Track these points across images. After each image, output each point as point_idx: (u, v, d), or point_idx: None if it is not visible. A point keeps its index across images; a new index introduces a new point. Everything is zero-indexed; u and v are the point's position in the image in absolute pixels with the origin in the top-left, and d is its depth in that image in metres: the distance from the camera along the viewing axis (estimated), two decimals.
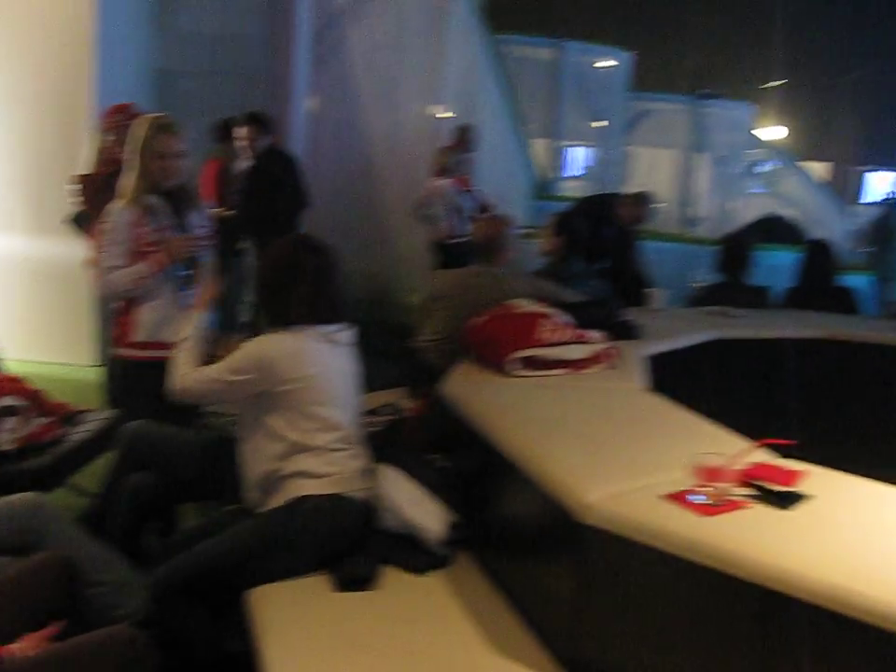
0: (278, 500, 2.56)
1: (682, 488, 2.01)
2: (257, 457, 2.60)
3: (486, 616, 2.35)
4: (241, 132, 5.89)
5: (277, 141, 6.30)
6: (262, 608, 2.36)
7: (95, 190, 4.02)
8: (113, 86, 5.66)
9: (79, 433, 3.58)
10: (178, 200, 3.29)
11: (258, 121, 5.87)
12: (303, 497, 2.53)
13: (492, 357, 3.21)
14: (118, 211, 3.19)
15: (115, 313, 3.35)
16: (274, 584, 2.44)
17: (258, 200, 5.81)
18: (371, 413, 3.18)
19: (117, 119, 4.02)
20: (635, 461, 2.30)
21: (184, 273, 3.29)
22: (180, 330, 2.82)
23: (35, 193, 5.71)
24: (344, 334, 2.68)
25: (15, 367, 5.66)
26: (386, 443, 2.91)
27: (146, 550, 3.03)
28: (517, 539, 2.49)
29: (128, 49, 6.26)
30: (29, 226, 5.98)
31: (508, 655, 2.16)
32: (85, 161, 4.20)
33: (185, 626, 2.42)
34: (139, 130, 3.18)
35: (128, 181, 3.20)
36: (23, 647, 1.94)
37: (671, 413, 2.74)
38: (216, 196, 5.98)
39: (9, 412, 3.43)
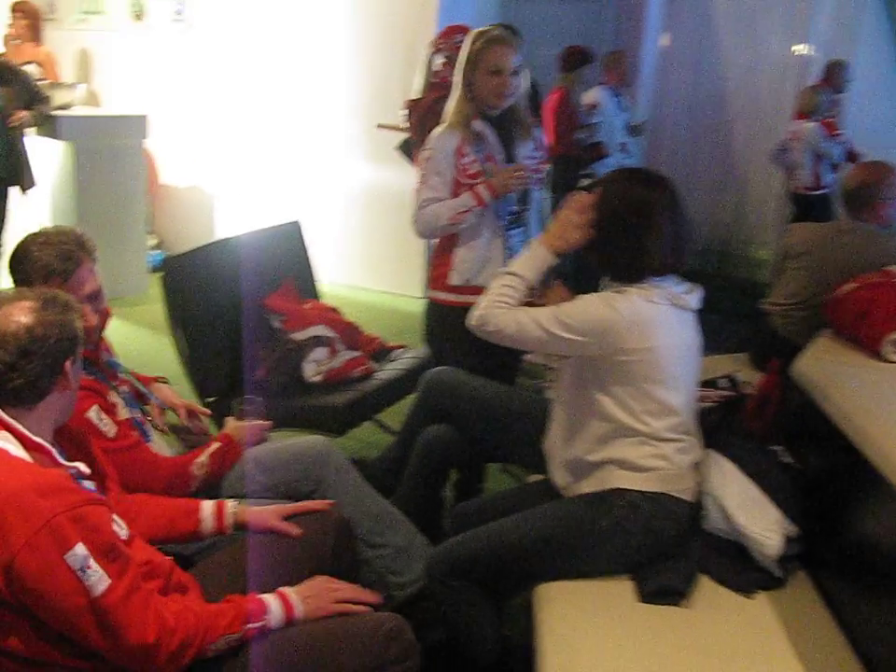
0: (589, 487, 2.16)
1: None
2: (573, 433, 2.21)
3: (820, 658, 1.86)
4: None
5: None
6: (550, 607, 2.01)
7: (421, 115, 3.80)
8: (457, 10, 5.46)
9: (388, 371, 3.43)
10: (508, 126, 2.91)
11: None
12: (620, 489, 2.11)
13: (863, 334, 2.60)
14: (437, 137, 2.88)
15: (433, 250, 3.09)
16: (568, 582, 2.07)
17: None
18: (706, 384, 2.68)
19: (450, 40, 3.73)
20: None
21: (511, 210, 2.93)
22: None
23: (376, 119, 5.68)
24: (693, 297, 2.18)
25: (345, 293, 5.81)
26: (720, 425, 2.40)
27: (439, 506, 2.81)
28: (875, 564, 1.95)
29: None
30: (369, 153, 6.01)
31: None
32: (417, 85, 3.99)
33: (461, 612, 2.13)
34: (468, 44, 2.85)
35: (453, 103, 2.90)
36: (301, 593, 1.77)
37: None
38: (555, 128, 5.62)
39: (318, 342, 3.34)
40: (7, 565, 1.43)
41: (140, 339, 5.08)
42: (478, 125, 2.84)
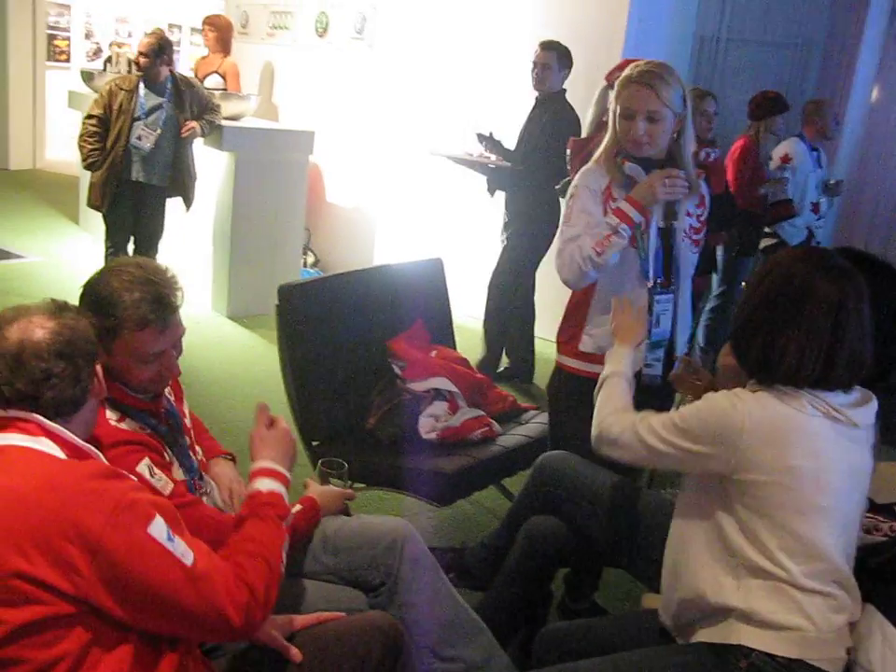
0: (706, 635, 1.72)
1: None
2: (691, 562, 1.77)
3: None
4: None
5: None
6: None
7: (578, 154, 3.43)
8: (644, 48, 5.05)
9: (513, 436, 3.06)
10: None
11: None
12: (740, 647, 1.65)
13: None
14: (584, 173, 2.48)
15: (567, 304, 2.68)
16: None
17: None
18: (879, 509, 2.16)
19: (618, 76, 3.33)
20: None
21: (656, 270, 2.46)
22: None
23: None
24: (863, 410, 1.70)
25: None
26: (892, 572, 1.89)
27: (545, 601, 2.42)
28: None
29: (665, 9, 5.60)
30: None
31: None
32: (588, 123, 3.63)
33: None
34: (618, 83, 2.46)
35: (605, 141, 2.52)
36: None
37: None
38: (736, 180, 5.11)
39: (439, 396, 3.02)
40: (94, 551, 1.34)
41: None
42: (631, 168, 2.44)
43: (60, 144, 10.07)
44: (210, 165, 5.56)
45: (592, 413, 1.98)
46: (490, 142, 4.83)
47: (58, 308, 1.52)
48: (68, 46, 10.32)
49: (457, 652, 1.95)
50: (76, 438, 1.49)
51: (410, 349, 3.17)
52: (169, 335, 1.82)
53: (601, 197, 2.45)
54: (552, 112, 4.64)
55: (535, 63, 4.67)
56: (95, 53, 10.35)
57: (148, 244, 5.28)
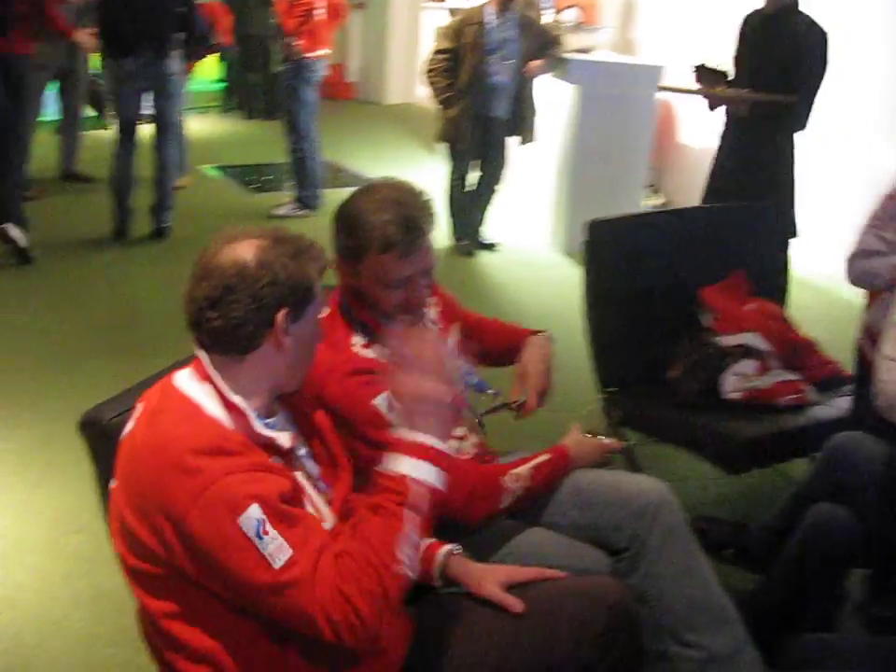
0: None
1: None
2: None
3: None
4: None
5: None
6: None
7: None
8: None
9: (828, 408, 2.71)
10: None
11: None
12: None
13: None
14: None
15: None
16: None
17: None
18: None
19: None
20: None
21: None
22: None
23: None
24: None
25: (828, 287, 4.93)
26: None
27: (837, 601, 2.13)
28: None
29: None
30: None
31: None
32: None
33: None
34: None
35: None
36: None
37: None
38: None
39: (748, 353, 2.74)
40: (179, 528, 1.24)
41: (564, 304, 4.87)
42: None
43: None
44: (554, 98, 5.51)
45: None
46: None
47: (277, 241, 1.36)
48: None
49: (700, 639, 1.74)
50: (231, 393, 1.34)
51: (724, 300, 2.92)
52: (415, 261, 1.73)
53: None
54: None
55: None
56: None
57: (492, 177, 5.39)
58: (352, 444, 1.63)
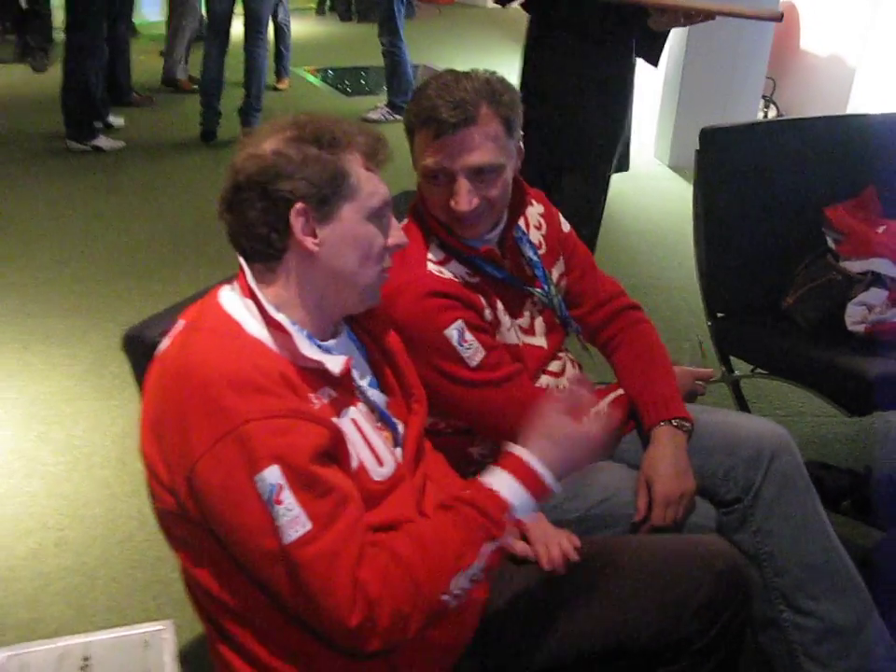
0: None
1: None
2: None
3: None
4: None
5: None
6: None
7: None
8: None
9: None
10: None
11: None
12: None
13: None
14: None
15: None
16: None
17: None
18: None
19: None
20: None
21: None
22: None
23: None
24: None
25: None
26: None
27: None
28: None
29: None
30: None
31: None
32: None
33: None
34: None
35: None
36: None
37: None
38: None
39: (877, 282, 2.45)
40: (188, 473, 1.07)
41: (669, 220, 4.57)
42: None
43: None
44: None
45: None
46: None
47: (301, 129, 1.18)
48: None
49: (817, 606, 1.52)
50: (273, 310, 1.16)
51: (852, 220, 2.60)
52: (452, 151, 1.46)
53: None
54: None
55: None
56: None
57: None
58: (420, 370, 1.43)
